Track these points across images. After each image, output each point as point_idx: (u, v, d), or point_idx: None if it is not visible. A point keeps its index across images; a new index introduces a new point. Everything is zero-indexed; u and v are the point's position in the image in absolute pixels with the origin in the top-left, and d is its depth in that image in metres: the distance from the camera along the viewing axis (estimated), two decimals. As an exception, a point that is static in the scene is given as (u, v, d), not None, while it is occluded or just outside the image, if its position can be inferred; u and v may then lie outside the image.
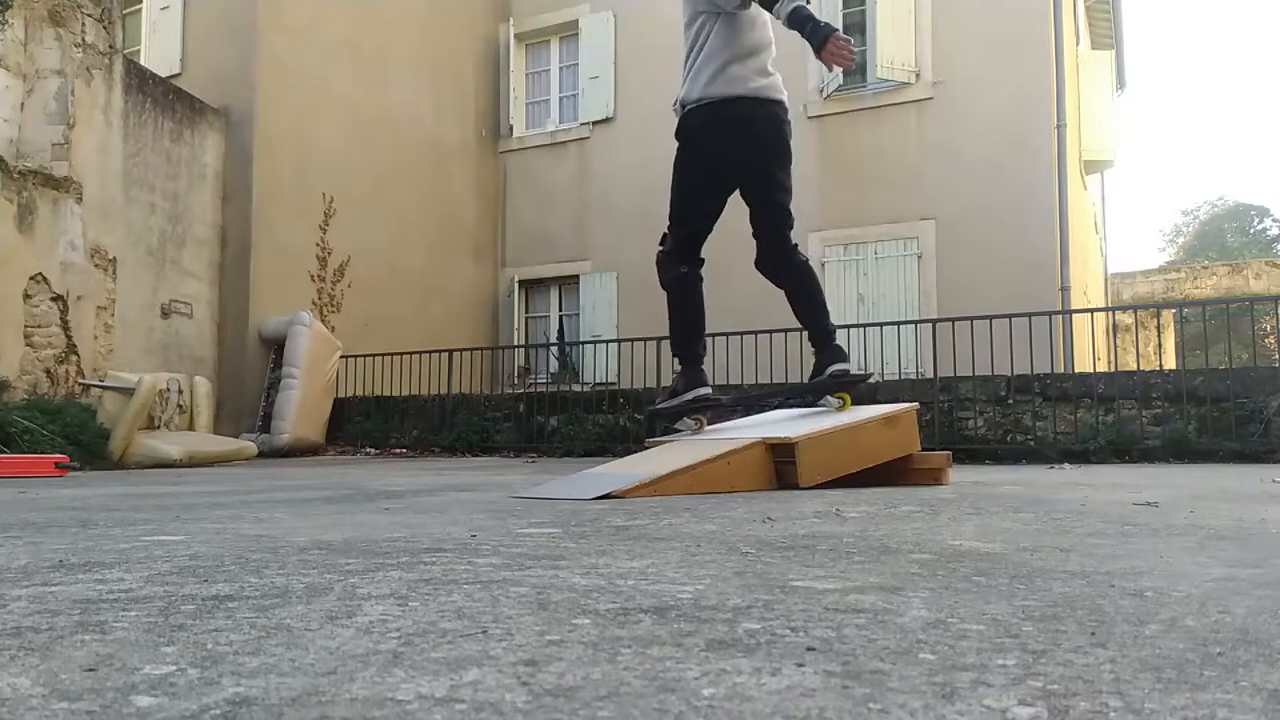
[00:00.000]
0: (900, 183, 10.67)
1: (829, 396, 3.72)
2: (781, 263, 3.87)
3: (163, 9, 10.15)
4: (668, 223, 3.85)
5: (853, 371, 3.80)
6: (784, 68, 3.99)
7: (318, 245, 10.15)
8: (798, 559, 1.49)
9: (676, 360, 3.91)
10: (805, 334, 3.94)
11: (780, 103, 3.77)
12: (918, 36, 10.76)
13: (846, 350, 3.88)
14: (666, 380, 8.87)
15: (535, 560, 1.46)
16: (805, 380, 3.94)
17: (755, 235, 3.92)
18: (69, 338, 7.94)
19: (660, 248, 3.88)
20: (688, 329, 3.87)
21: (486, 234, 12.87)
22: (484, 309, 12.80)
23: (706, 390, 3.76)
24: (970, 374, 7.56)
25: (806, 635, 0.91)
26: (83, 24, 8.20)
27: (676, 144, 3.84)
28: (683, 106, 3.82)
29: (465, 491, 3.40)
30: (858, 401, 3.89)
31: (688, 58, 3.77)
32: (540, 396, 9.43)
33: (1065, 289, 9.86)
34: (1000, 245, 9.98)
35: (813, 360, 3.92)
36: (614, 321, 11.95)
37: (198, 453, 7.09)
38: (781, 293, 3.99)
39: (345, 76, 10.48)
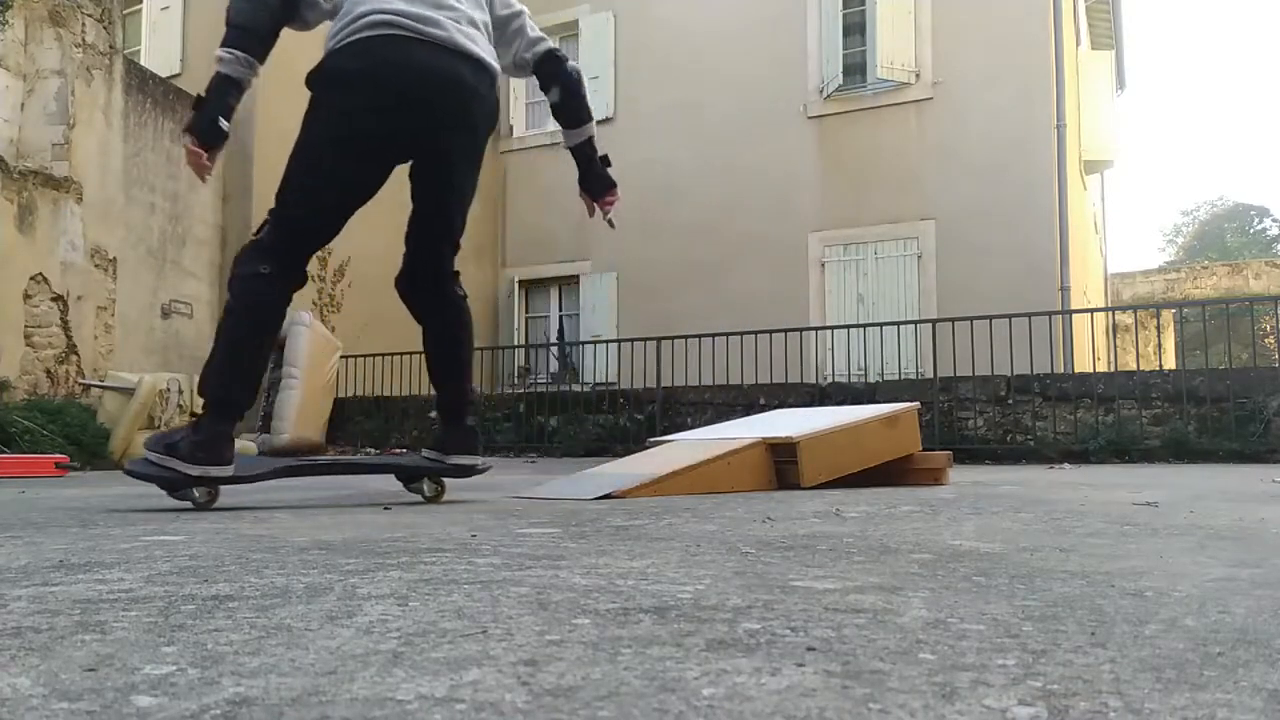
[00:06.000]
0: (900, 183, 10.67)
1: (425, 481, 2.97)
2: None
3: (163, 9, 10.15)
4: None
5: (480, 466, 3.03)
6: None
7: (318, 245, 10.14)
8: (798, 559, 1.49)
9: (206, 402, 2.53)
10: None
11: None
12: (918, 36, 10.76)
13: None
14: (666, 380, 8.87)
15: (535, 560, 1.46)
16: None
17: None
18: (69, 338, 7.94)
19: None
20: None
21: (486, 234, 12.87)
22: (484, 309, 12.80)
23: (227, 469, 2.48)
24: (970, 374, 7.56)
25: (806, 635, 0.91)
26: (83, 24, 8.20)
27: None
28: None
29: (465, 491, 3.40)
30: (856, 401, 3.86)
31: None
32: (540, 396, 9.43)
33: (1065, 289, 9.86)
34: (1000, 245, 9.98)
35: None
36: (614, 321, 11.95)
37: (198, 453, 7.08)
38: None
39: (345, 76, 10.44)
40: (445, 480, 3.02)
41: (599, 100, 12.29)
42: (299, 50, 3.17)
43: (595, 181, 3.05)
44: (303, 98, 2.70)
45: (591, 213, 3.12)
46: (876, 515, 2.30)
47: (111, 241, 8.34)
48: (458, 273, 2.94)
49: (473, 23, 2.76)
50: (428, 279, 2.90)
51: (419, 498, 2.97)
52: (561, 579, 1.27)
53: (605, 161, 3.05)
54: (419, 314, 2.96)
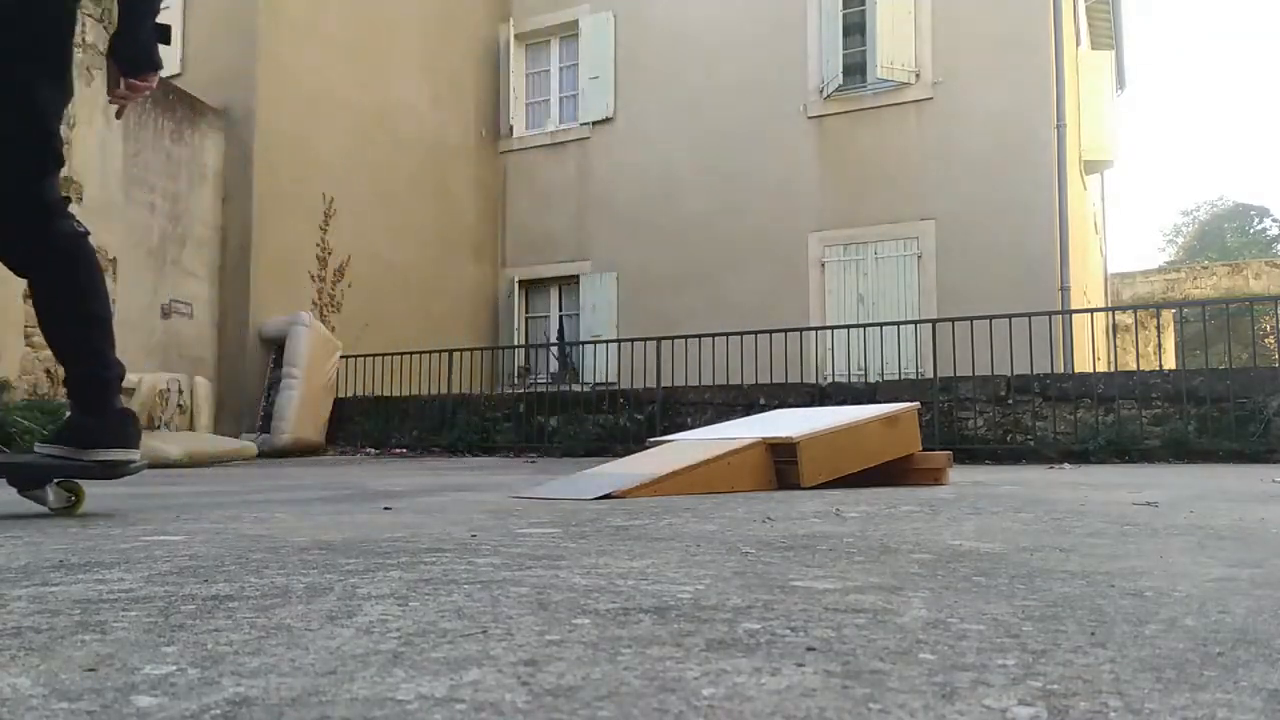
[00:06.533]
0: (900, 183, 10.67)
1: (50, 487, 2.22)
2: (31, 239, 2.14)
3: (163, 9, 10.15)
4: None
5: (134, 462, 2.27)
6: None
7: (318, 245, 10.14)
8: (798, 559, 1.49)
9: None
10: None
11: None
12: (918, 36, 10.76)
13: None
14: (666, 380, 8.86)
15: (535, 560, 1.46)
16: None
17: None
18: (69, 338, 7.93)
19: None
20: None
21: (486, 234, 12.87)
22: (484, 309, 12.80)
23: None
24: (970, 374, 7.56)
25: (806, 635, 0.91)
26: (83, 24, 8.19)
27: None
28: None
29: (465, 491, 3.40)
30: (857, 401, 3.84)
31: None
32: (540, 396, 9.43)
33: (1065, 289, 9.86)
34: (1000, 245, 9.98)
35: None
36: (614, 321, 11.95)
37: (198, 453, 7.09)
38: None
39: (345, 76, 10.47)
40: (83, 485, 2.29)
41: (599, 100, 12.30)
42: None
43: (136, 49, 2.17)
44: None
45: (112, 89, 2.19)
46: (876, 515, 2.30)
47: (111, 241, 8.34)
48: (68, 199, 2.17)
49: None
50: (8, 217, 2.11)
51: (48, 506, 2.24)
52: (561, 579, 1.27)
53: (162, 35, 2.21)
54: (14, 267, 2.19)
